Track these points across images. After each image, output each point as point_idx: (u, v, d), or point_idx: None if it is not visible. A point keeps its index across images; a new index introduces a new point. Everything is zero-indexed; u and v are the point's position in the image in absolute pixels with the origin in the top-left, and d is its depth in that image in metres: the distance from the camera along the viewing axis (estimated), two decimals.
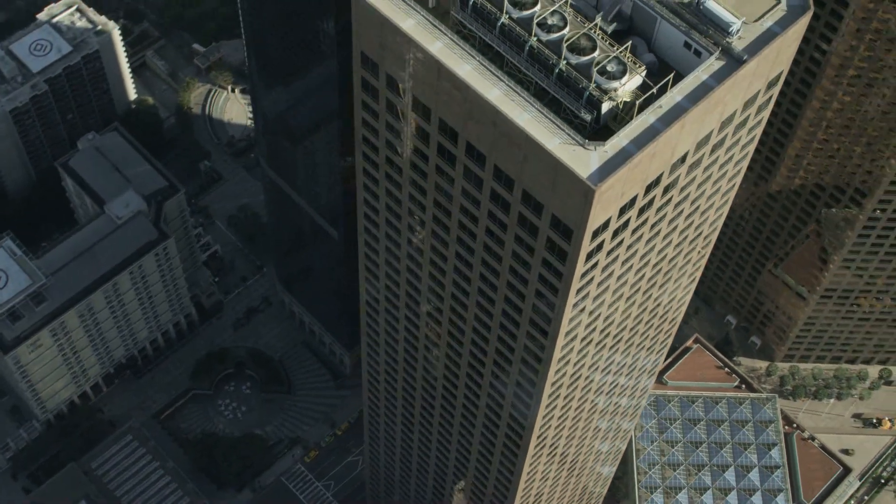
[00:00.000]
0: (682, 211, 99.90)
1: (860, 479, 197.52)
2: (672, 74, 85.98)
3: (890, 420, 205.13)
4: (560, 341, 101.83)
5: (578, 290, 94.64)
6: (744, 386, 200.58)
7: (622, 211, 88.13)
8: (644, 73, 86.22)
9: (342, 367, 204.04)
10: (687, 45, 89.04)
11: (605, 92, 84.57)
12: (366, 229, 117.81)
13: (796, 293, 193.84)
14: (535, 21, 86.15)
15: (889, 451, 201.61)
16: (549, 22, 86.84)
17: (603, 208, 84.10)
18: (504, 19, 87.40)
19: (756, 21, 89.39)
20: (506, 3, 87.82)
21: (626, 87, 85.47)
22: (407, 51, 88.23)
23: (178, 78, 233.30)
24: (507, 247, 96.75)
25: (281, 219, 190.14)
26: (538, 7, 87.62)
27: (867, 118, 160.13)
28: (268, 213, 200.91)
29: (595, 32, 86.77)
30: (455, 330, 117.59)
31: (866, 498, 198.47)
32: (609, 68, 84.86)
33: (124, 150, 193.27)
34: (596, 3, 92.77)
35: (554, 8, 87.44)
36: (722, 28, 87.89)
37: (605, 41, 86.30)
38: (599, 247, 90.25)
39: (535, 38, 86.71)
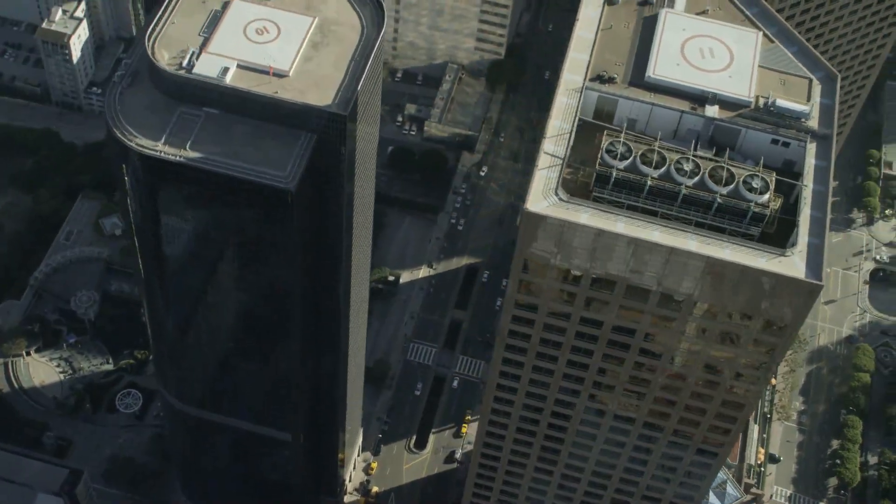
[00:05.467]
0: None
1: (756, 423, 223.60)
2: (805, 173, 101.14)
3: None
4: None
5: None
6: None
7: None
8: (775, 177, 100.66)
9: None
10: (774, 142, 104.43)
11: (766, 206, 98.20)
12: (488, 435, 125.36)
13: None
14: (679, 173, 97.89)
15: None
16: (687, 168, 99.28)
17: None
18: (650, 182, 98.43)
19: (809, 101, 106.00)
20: (648, 169, 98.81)
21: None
22: (592, 240, 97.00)
23: None
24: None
25: (197, 449, 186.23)
26: (667, 162, 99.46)
27: None
28: (174, 449, 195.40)
29: (725, 163, 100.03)
30: None
31: (765, 436, 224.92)
32: (755, 185, 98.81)
33: (6, 460, 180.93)
34: (673, 133, 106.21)
35: (686, 156, 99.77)
36: (796, 117, 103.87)
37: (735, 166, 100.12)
38: None
39: (683, 187, 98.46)
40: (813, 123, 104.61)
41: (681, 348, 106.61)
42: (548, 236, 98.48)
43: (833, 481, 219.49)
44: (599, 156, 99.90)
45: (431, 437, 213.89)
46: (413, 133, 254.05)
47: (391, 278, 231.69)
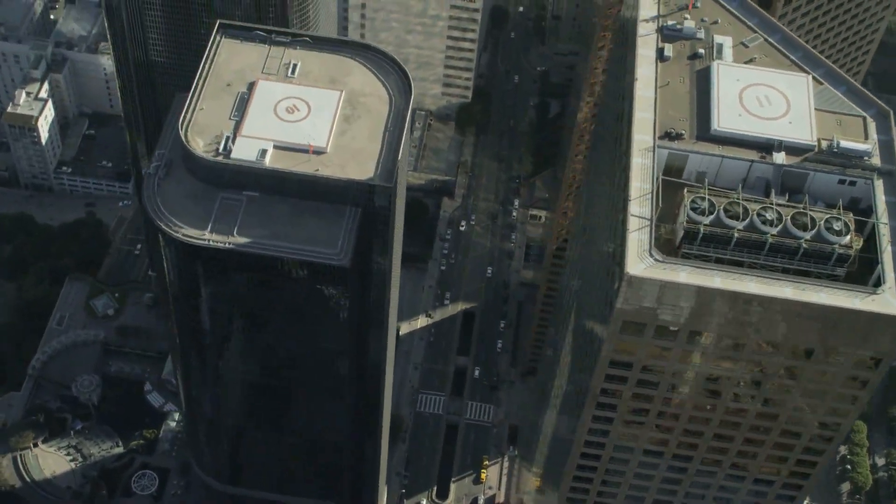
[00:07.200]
0: None
1: None
2: (880, 211, 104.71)
3: None
4: None
5: None
6: None
7: None
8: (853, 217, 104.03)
9: None
10: (841, 181, 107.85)
11: (850, 246, 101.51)
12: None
13: None
14: (763, 223, 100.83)
15: None
16: (770, 217, 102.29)
17: None
18: (737, 234, 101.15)
19: (867, 138, 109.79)
20: (733, 222, 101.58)
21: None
22: (692, 296, 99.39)
23: None
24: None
25: None
26: (750, 213, 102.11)
27: None
28: None
29: (806, 208, 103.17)
30: None
31: None
32: (836, 227, 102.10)
33: None
34: (743, 182, 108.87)
35: (767, 206, 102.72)
36: (860, 156, 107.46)
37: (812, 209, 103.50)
38: None
39: (769, 236, 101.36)
40: (876, 161, 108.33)
41: (774, 390, 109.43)
42: (648, 297, 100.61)
43: (846, 486, 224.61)
44: (685, 213, 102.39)
45: (452, 487, 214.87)
46: None
47: None
